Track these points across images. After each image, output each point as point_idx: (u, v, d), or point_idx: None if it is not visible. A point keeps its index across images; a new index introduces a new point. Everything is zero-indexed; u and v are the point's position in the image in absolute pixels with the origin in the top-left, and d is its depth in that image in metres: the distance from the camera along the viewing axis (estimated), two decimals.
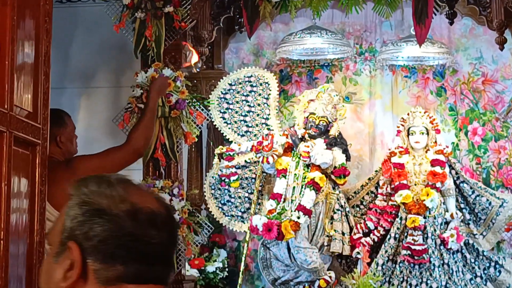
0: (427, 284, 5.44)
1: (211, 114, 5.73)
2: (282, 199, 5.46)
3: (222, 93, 5.81)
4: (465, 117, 6.08)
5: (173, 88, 5.31)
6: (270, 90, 5.79)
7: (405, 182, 5.56)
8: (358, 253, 5.52)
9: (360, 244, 5.53)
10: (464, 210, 5.74)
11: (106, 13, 5.51)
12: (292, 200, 5.44)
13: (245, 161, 5.74)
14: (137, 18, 5.39)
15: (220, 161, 5.63)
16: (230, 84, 5.82)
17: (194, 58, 5.14)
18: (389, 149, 5.79)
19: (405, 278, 5.48)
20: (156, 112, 4.81)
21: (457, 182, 5.71)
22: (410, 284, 5.46)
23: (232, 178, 5.70)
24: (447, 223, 5.57)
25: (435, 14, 5.27)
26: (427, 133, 5.67)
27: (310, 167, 5.51)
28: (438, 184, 5.52)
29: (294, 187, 5.48)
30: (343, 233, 5.56)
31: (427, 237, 5.47)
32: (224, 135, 5.82)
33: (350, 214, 5.67)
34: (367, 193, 5.82)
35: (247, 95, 5.80)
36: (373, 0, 5.41)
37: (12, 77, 3.27)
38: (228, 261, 6.09)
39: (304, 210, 5.35)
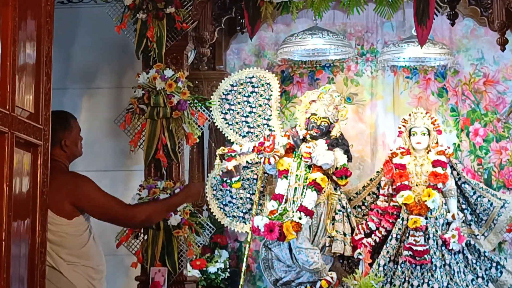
0: (428, 284, 5.44)
1: (212, 115, 5.73)
2: (284, 200, 5.46)
3: (223, 94, 5.81)
4: (467, 118, 6.08)
5: (174, 89, 5.32)
6: (272, 91, 5.79)
7: (406, 183, 5.56)
8: (360, 253, 5.52)
9: (362, 245, 5.53)
10: (465, 211, 5.73)
11: (107, 14, 5.52)
12: (293, 201, 5.44)
13: (247, 162, 5.74)
14: (139, 19, 5.39)
15: (221, 162, 5.64)
16: (232, 85, 5.82)
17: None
18: (391, 150, 5.78)
19: (407, 279, 5.48)
20: (173, 210, 4.76)
21: (459, 183, 5.71)
22: (412, 285, 5.46)
23: (234, 179, 5.69)
24: (448, 224, 5.57)
25: (436, 15, 5.28)
26: (429, 134, 5.67)
27: (311, 168, 5.51)
28: (440, 185, 5.52)
29: (295, 188, 5.48)
30: (344, 234, 5.56)
31: (428, 238, 5.47)
32: (225, 136, 5.82)
33: (352, 215, 5.67)
34: (369, 194, 5.82)
35: (249, 96, 5.80)
36: (374, 1, 5.42)
37: (14, 78, 3.28)
38: (230, 261, 6.09)
39: (305, 211, 5.35)
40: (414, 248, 5.41)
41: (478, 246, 5.64)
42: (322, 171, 5.48)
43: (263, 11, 5.33)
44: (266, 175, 5.71)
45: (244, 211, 5.78)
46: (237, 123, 5.79)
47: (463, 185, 5.71)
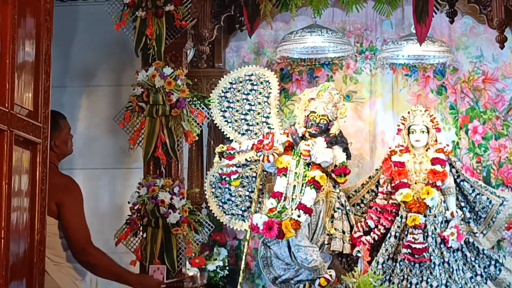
0: (427, 282, 5.44)
1: (211, 112, 5.73)
2: (283, 198, 5.46)
3: (222, 91, 5.81)
4: (466, 116, 6.08)
5: (173, 87, 5.32)
6: (271, 89, 5.79)
7: (405, 180, 5.56)
8: (359, 251, 5.52)
9: (361, 242, 5.53)
10: (464, 209, 5.73)
11: (106, 11, 5.52)
12: (292, 199, 5.44)
13: (246, 159, 5.74)
14: (138, 16, 5.39)
15: (220, 159, 5.64)
16: (231, 83, 5.82)
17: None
18: (390, 148, 5.78)
19: (406, 276, 5.48)
20: (120, 282, 4.66)
21: (458, 180, 5.71)
22: (411, 283, 5.46)
23: (233, 176, 5.69)
24: (447, 221, 5.57)
25: (436, 13, 5.27)
26: (428, 132, 5.67)
27: (310, 166, 5.51)
28: (439, 183, 5.52)
29: (294, 186, 5.48)
30: (343, 232, 5.56)
31: (427, 236, 5.47)
32: (224, 133, 5.82)
33: (351, 213, 5.67)
34: (368, 192, 5.82)
35: (248, 94, 5.80)
36: None
37: (13, 75, 3.28)
38: (229, 259, 6.09)
39: (304, 209, 5.35)
40: (413, 246, 5.41)
41: (477, 244, 5.64)
42: (321, 169, 5.49)
43: (262, 9, 5.33)
44: (265, 173, 5.71)
45: (243, 209, 5.78)
46: (236, 120, 5.79)
47: (462, 183, 5.71)
